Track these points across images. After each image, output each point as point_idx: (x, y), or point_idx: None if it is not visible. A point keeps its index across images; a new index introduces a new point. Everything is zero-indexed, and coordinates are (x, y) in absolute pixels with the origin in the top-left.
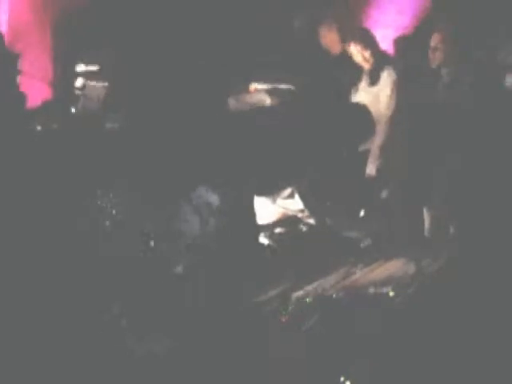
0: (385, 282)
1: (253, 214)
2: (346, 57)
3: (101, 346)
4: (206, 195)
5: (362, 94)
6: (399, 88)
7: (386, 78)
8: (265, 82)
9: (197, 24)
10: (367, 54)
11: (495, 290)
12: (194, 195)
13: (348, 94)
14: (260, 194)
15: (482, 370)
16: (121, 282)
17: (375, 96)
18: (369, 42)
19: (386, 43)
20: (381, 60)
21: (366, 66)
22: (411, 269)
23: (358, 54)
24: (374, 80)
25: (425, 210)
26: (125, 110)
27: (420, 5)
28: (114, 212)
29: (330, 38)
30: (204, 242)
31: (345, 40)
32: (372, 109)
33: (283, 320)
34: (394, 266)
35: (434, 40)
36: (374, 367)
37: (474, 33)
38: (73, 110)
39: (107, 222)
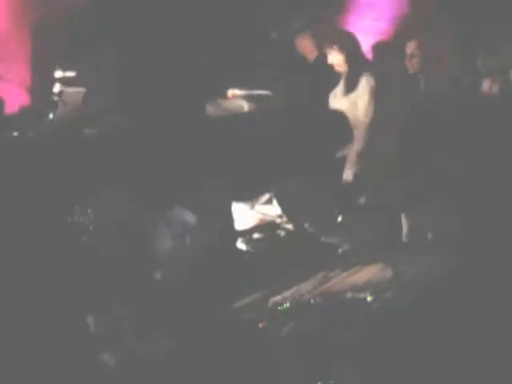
0: (362, 287)
1: (231, 220)
2: (322, 63)
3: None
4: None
5: (340, 100)
6: (377, 94)
7: (364, 84)
8: (243, 87)
9: (173, 32)
10: (341, 57)
11: (475, 294)
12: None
13: (326, 100)
14: (238, 199)
15: (461, 372)
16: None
17: (353, 102)
18: (344, 45)
19: (364, 49)
20: (357, 65)
21: (341, 70)
22: (388, 274)
23: (333, 57)
24: (352, 86)
25: (403, 216)
26: (103, 116)
27: (398, 10)
28: (95, 218)
29: (304, 45)
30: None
31: (320, 46)
32: (349, 115)
33: (261, 326)
34: (371, 271)
35: (411, 47)
36: (353, 372)
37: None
38: (50, 116)
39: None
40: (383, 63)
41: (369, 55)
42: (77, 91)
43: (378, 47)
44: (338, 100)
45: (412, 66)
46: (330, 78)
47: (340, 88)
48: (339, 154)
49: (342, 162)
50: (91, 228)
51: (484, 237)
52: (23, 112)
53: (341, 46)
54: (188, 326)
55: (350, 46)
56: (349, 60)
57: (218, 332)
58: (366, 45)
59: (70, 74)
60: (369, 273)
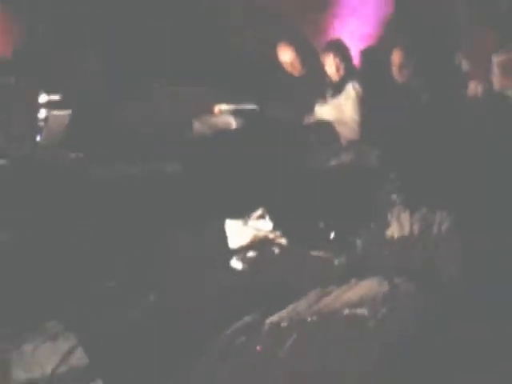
0: (359, 303)
1: (225, 239)
2: (309, 74)
3: None
4: None
5: (326, 107)
6: (363, 99)
7: (351, 89)
8: (229, 102)
9: (156, 48)
10: (342, 65)
11: (473, 305)
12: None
13: (311, 111)
14: (232, 217)
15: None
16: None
17: (338, 107)
18: (345, 53)
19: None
20: (349, 72)
21: (336, 78)
22: (384, 287)
23: (333, 65)
24: (338, 91)
25: (398, 225)
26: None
27: (383, 15)
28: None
29: (287, 56)
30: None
31: (303, 58)
32: (335, 120)
33: (258, 348)
34: (367, 286)
35: (398, 57)
36: None
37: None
38: (36, 141)
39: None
40: (369, 69)
41: (355, 61)
42: (62, 114)
43: (363, 53)
44: (323, 107)
45: (402, 75)
46: (316, 88)
47: (327, 94)
48: (332, 163)
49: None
50: None
51: (484, 247)
52: (9, 139)
53: (343, 56)
54: (183, 351)
55: (349, 55)
56: (345, 68)
57: (213, 356)
58: (353, 49)
59: (55, 97)
60: (364, 287)
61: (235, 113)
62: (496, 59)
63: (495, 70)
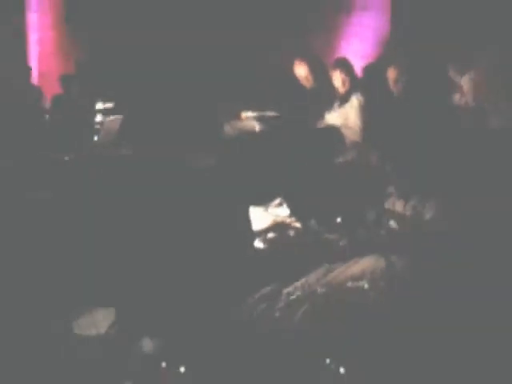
0: (360, 276)
1: (248, 223)
2: (319, 85)
3: None
4: None
5: (334, 114)
6: (365, 108)
7: (354, 100)
8: (254, 110)
9: (195, 65)
10: (347, 80)
11: (465, 284)
12: None
13: (321, 117)
14: (255, 204)
15: (455, 362)
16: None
17: (344, 114)
18: (350, 70)
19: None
20: (353, 85)
21: (342, 90)
22: (381, 263)
23: (340, 79)
24: (344, 101)
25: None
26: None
27: (380, 35)
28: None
29: (302, 71)
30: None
31: (315, 72)
32: (342, 126)
33: (276, 314)
34: (367, 262)
35: (393, 73)
36: (357, 353)
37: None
38: (94, 141)
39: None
40: (369, 82)
41: (358, 75)
42: (115, 119)
43: (365, 69)
44: (332, 114)
45: (398, 89)
46: (325, 97)
47: (335, 103)
48: (338, 160)
49: (340, 169)
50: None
51: (477, 229)
52: (73, 139)
53: (348, 71)
54: (209, 316)
55: (353, 70)
56: (350, 82)
57: (237, 320)
58: (357, 65)
59: (109, 105)
60: (365, 264)
61: (258, 118)
62: (467, 77)
63: (468, 87)
